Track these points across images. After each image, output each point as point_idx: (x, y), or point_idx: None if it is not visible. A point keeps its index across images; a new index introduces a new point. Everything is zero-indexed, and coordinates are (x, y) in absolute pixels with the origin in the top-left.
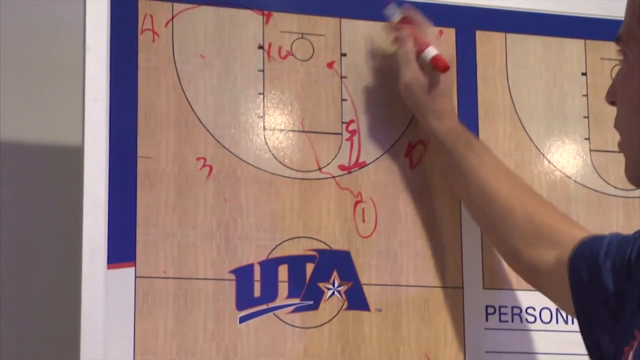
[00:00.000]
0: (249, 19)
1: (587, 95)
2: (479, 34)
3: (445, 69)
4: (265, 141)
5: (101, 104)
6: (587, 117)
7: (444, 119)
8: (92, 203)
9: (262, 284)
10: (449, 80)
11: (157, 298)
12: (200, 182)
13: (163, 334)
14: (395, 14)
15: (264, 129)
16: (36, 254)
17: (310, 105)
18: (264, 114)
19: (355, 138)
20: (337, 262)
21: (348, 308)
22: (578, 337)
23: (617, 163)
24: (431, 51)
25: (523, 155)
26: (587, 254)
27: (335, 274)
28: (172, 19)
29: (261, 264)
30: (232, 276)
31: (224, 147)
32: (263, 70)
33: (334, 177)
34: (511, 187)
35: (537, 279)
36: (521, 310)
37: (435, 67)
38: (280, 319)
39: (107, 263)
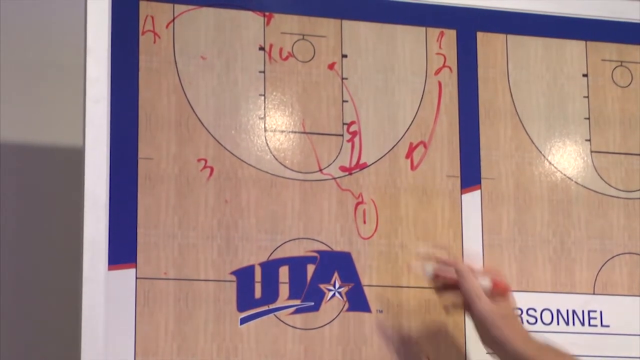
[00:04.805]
0: (250, 20)
1: (588, 97)
2: (480, 35)
3: (506, 290)
4: (266, 142)
5: (102, 105)
6: (588, 118)
7: (529, 340)
8: (93, 204)
9: (263, 285)
10: (512, 303)
11: (158, 299)
12: (201, 183)
13: (164, 335)
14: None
15: (265, 130)
16: (37, 255)
17: (311, 106)
18: (264, 115)
19: (356, 139)
20: (338, 264)
21: (349, 309)
22: (578, 339)
23: (618, 164)
24: (485, 280)
25: (524, 157)
26: None
27: (336, 275)
28: (173, 20)
29: (262, 265)
30: (233, 277)
31: (225, 149)
32: (264, 72)
33: (334, 178)
34: None
35: None
36: (522, 312)
37: (497, 292)
38: (281, 320)
39: (108, 264)
